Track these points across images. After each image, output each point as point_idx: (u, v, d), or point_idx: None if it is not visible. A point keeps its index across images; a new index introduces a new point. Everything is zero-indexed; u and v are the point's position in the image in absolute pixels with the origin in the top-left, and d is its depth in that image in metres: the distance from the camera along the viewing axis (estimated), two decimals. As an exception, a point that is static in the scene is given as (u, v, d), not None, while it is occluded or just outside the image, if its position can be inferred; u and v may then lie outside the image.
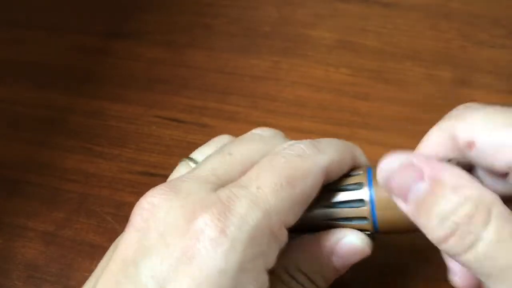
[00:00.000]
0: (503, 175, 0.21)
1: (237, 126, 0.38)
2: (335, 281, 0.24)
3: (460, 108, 0.22)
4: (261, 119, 0.38)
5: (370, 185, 0.22)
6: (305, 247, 0.23)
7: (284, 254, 0.21)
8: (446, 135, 0.21)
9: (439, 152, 0.21)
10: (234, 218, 0.19)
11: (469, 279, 0.22)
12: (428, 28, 0.43)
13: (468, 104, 0.22)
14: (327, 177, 0.22)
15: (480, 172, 0.23)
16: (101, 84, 0.43)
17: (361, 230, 0.23)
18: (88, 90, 0.42)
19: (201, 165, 0.22)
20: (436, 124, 0.22)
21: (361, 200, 0.22)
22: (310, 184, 0.21)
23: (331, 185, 0.23)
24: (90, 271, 0.32)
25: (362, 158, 0.25)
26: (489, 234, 0.17)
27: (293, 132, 0.37)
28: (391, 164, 0.20)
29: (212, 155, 0.23)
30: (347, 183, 0.23)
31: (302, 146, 0.22)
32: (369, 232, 0.23)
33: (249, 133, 0.25)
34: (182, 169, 0.26)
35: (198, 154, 0.26)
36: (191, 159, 0.26)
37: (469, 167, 0.22)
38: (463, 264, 0.18)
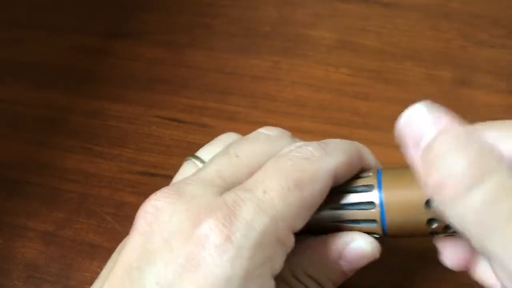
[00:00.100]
0: None
1: (237, 126, 0.38)
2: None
3: (501, 122, 0.19)
4: (261, 119, 0.38)
5: (380, 187, 0.22)
6: (312, 251, 0.22)
7: (290, 257, 0.20)
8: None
9: None
10: (240, 224, 0.18)
11: (458, 258, 0.22)
12: (428, 28, 0.43)
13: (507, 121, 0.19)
14: (335, 180, 0.22)
15: None
16: (101, 84, 0.43)
17: (369, 233, 0.23)
18: (88, 90, 0.42)
19: (207, 166, 0.22)
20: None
21: (371, 203, 0.22)
22: (318, 188, 0.20)
23: (340, 187, 0.23)
24: (90, 271, 0.32)
25: (370, 158, 0.24)
26: (489, 185, 0.17)
27: (293, 132, 0.37)
28: (412, 110, 0.19)
29: (218, 156, 0.22)
30: (356, 185, 0.22)
31: (310, 149, 0.21)
32: (377, 235, 0.23)
33: (255, 132, 0.25)
34: (187, 168, 0.25)
35: (204, 152, 0.26)
36: (197, 158, 0.26)
37: None
38: (455, 216, 0.18)
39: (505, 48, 0.41)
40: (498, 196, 0.16)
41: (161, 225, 0.19)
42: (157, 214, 0.19)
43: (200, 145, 0.37)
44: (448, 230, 0.21)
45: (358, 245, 0.22)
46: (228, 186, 0.20)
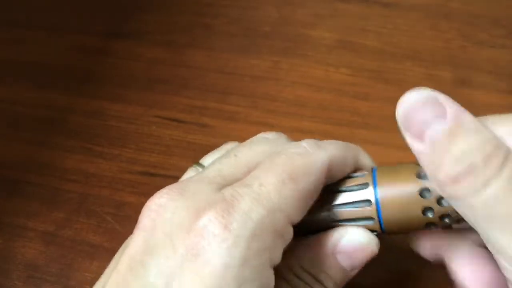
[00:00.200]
0: None
1: (237, 126, 0.38)
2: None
3: None
4: (261, 119, 0.38)
5: (375, 184, 0.22)
6: (309, 246, 0.23)
7: (288, 253, 0.21)
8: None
9: None
10: (238, 215, 0.19)
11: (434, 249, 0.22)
12: (428, 28, 0.43)
13: None
14: (330, 174, 0.22)
15: None
16: (101, 84, 0.43)
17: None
18: (88, 90, 0.42)
19: (208, 167, 0.23)
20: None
21: (367, 201, 0.22)
22: (312, 180, 0.21)
23: (335, 187, 0.23)
24: (90, 271, 0.32)
25: (366, 159, 0.25)
26: (502, 178, 0.17)
27: (293, 132, 0.37)
28: (412, 99, 0.19)
29: (218, 158, 0.23)
30: (351, 184, 0.23)
31: (303, 144, 0.22)
32: (375, 233, 0.23)
33: (254, 137, 0.26)
34: (190, 174, 0.26)
35: (207, 160, 0.27)
36: (200, 165, 0.27)
37: None
38: (466, 209, 0.18)
39: (505, 48, 0.41)
40: None
41: (164, 221, 0.20)
42: (159, 211, 0.20)
43: (200, 145, 0.38)
44: (444, 222, 0.21)
45: (352, 237, 0.22)
46: (227, 183, 0.21)
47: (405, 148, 0.21)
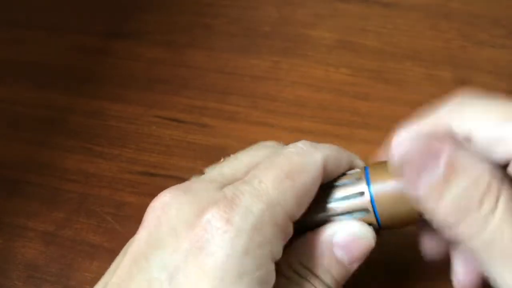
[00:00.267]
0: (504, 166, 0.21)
1: (237, 126, 0.38)
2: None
3: (457, 101, 0.22)
4: (261, 119, 0.38)
5: (368, 180, 0.23)
6: (306, 241, 0.23)
7: (288, 250, 0.22)
8: (439, 127, 0.21)
9: None
10: (239, 210, 0.20)
11: (470, 280, 0.23)
12: (428, 28, 0.43)
13: (464, 96, 0.22)
14: (326, 174, 0.23)
15: None
16: (101, 84, 0.43)
17: None
18: (88, 90, 0.42)
19: (210, 170, 0.24)
20: (430, 115, 0.22)
21: (361, 193, 0.23)
22: (309, 177, 0.22)
23: (330, 184, 0.24)
24: (90, 271, 0.32)
25: (360, 163, 0.25)
26: (496, 219, 0.18)
27: (293, 132, 0.37)
28: (406, 146, 0.20)
29: (220, 162, 0.25)
30: (345, 179, 0.24)
31: (299, 145, 0.23)
32: (373, 226, 0.23)
33: (254, 145, 0.27)
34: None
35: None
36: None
37: None
38: (468, 250, 0.19)
39: (505, 48, 0.41)
40: (508, 223, 0.18)
41: (168, 218, 0.21)
42: (164, 208, 0.21)
43: (200, 145, 0.38)
44: None
45: (347, 229, 0.23)
46: (229, 182, 0.22)
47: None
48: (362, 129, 0.37)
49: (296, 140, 0.24)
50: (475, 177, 0.18)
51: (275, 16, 0.46)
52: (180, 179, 0.24)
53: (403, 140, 0.20)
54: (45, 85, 0.43)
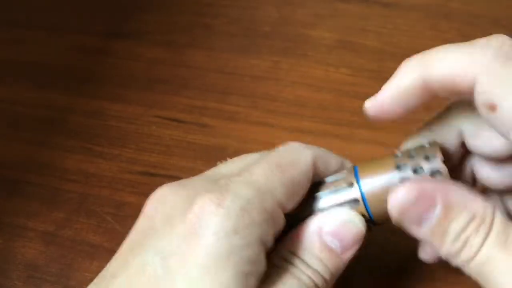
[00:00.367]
0: (505, 162, 0.21)
1: (237, 126, 0.38)
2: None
3: (487, 47, 0.21)
4: (261, 119, 0.38)
5: (357, 176, 0.23)
6: (297, 232, 0.23)
7: (281, 244, 0.23)
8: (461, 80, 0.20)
9: (406, 102, 0.22)
10: (229, 195, 0.21)
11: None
12: (428, 28, 0.43)
13: (498, 43, 0.21)
14: (316, 171, 0.24)
15: (477, 160, 0.24)
16: (101, 84, 0.43)
17: None
18: (88, 90, 0.42)
19: (209, 171, 0.25)
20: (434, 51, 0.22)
21: (350, 184, 0.23)
22: (299, 171, 0.23)
23: (321, 182, 0.24)
24: (90, 271, 0.32)
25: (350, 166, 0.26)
26: (489, 243, 0.19)
27: (293, 132, 0.37)
28: (403, 199, 0.21)
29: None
30: (335, 176, 0.24)
31: (291, 144, 0.24)
32: (365, 219, 0.23)
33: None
34: None
35: None
36: None
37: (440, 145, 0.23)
38: (468, 272, 0.20)
39: (505, 48, 0.41)
40: (502, 241, 0.19)
41: (164, 208, 0.22)
42: (161, 199, 0.22)
43: (200, 145, 0.38)
44: None
45: (335, 216, 0.23)
46: (224, 177, 0.23)
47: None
48: (362, 129, 0.37)
49: (296, 140, 0.24)
50: (471, 210, 0.20)
51: (275, 16, 0.46)
52: (180, 179, 0.24)
53: (399, 194, 0.21)
54: (45, 85, 0.43)
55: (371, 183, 0.23)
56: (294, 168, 0.23)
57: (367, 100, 0.23)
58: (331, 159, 0.25)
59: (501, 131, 0.20)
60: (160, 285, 0.20)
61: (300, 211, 0.23)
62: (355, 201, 0.23)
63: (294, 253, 0.23)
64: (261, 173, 0.22)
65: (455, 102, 0.24)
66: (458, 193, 0.20)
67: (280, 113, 0.39)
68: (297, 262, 0.23)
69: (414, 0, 0.46)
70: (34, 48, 0.46)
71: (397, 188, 0.21)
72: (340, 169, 0.25)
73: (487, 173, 0.24)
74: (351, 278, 0.29)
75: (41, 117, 0.41)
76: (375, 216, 0.23)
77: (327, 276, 0.23)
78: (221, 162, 0.27)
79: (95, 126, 0.40)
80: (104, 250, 0.33)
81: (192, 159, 0.37)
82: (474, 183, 0.26)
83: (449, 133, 0.24)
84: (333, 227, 0.23)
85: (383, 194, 0.22)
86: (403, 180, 0.22)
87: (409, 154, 0.23)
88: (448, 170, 0.22)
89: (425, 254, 0.26)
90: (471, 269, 0.20)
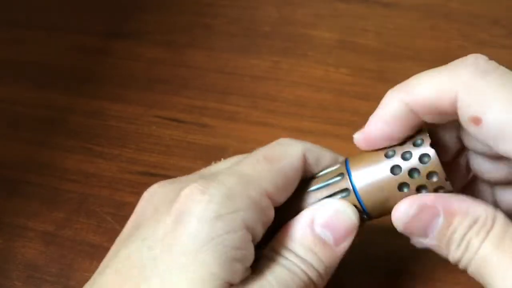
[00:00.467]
0: (499, 158, 0.21)
1: (237, 126, 0.38)
2: (331, 282, 0.24)
3: (469, 66, 0.21)
4: (261, 119, 0.38)
5: (347, 167, 0.23)
6: (288, 226, 0.23)
7: (275, 238, 0.23)
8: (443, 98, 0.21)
9: (396, 129, 0.22)
10: (213, 183, 0.21)
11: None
12: (428, 28, 0.43)
13: (479, 62, 0.21)
14: (307, 165, 0.24)
15: (472, 155, 0.24)
16: (101, 84, 0.43)
17: None
18: (88, 90, 0.42)
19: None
20: (436, 77, 0.22)
21: (340, 174, 0.23)
22: (288, 163, 0.23)
23: (313, 176, 0.24)
24: (90, 271, 0.32)
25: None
26: (487, 244, 0.20)
27: (293, 132, 0.37)
28: (405, 214, 0.21)
29: None
30: (326, 170, 0.24)
31: (282, 138, 0.25)
32: (359, 211, 0.23)
33: None
34: None
35: None
36: None
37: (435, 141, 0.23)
38: (470, 274, 0.21)
39: (505, 48, 0.41)
40: (502, 241, 0.20)
41: (152, 202, 0.23)
42: (151, 195, 0.24)
43: (200, 145, 0.38)
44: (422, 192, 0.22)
45: (327, 206, 0.23)
46: (214, 173, 0.24)
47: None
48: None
49: (296, 140, 0.24)
50: (474, 214, 0.20)
51: (275, 16, 0.46)
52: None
53: (401, 209, 0.21)
54: (45, 85, 0.43)
55: (362, 173, 0.23)
56: (282, 160, 0.23)
57: (356, 132, 0.24)
58: (324, 154, 0.25)
59: (488, 143, 0.20)
60: (145, 272, 0.20)
61: (292, 204, 0.24)
62: (346, 190, 0.23)
63: (286, 246, 0.23)
64: (247, 164, 0.23)
65: None
66: (459, 200, 0.21)
67: (280, 113, 0.39)
68: (289, 254, 0.22)
69: (414, 0, 0.46)
70: (34, 48, 0.46)
71: (398, 204, 0.21)
72: (333, 163, 0.25)
73: (481, 165, 0.24)
74: (351, 278, 0.29)
75: (41, 117, 0.41)
76: (367, 207, 0.23)
77: (321, 269, 0.22)
78: (215, 162, 0.27)
79: (95, 126, 0.39)
80: (104, 250, 0.32)
81: (192, 159, 0.37)
82: (468, 172, 0.26)
83: (446, 129, 0.24)
84: (324, 218, 0.23)
85: (373, 184, 0.22)
86: (393, 168, 0.22)
87: (402, 155, 0.23)
88: (438, 155, 0.22)
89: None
90: (471, 270, 0.20)
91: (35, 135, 0.40)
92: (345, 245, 0.23)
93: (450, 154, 0.25)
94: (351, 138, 0.24)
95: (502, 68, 0.20)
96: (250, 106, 0.39)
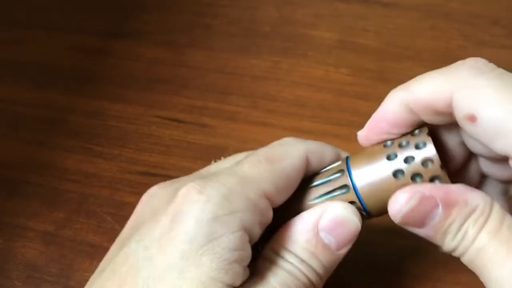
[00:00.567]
0: (498, 159, 0.21)
1: (237, 126, 0.38)
2: (331, 282, 0.24)
3: (465, 68, 0.21)
4: (261, 119, 0.38)
5: (348, 164, 0.23)
6: (289, 226, 0.23)
7: (274, 239, 0.23)
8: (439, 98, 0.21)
9: (397, 123, 0.23)
10: (212, 183, 0.21)
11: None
12: (428, 28, 0.43)
13: (474, 63, 0.21)
14: (310, 165, 0.24)
15: (480, 158, 0.24)
16: (101, 84, 0.43)
17: None
18: (88, 90, 0.42)
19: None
20: (433, 79, 0.22)
21: (340, 170, 0.23)
22: (289, 163, 0.23)
23: (314, 175, 0.24)
24: (90, 271, 0.32)
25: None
26: (483, 233, 0.20)
27: (293, 132, 0.37)
28: (402, 205, 0.21)
29: None
30: (327, 167, 0.24)
31: (285, 139, 0.25)
32: (358, 208, 0.23)
33: None
34: None
35: None
36: None
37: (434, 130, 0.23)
38: (464, 261, 0.21)
39: (505, 48, 0.41)
40: (499, 231, 0.20)
41: (151, 203, 0.24)
42: (150, 197, 0.24)
43: (200, 145, 0.38)
44: (416, 181, 0.22)
45: (332, 211, 0.23)
46: (213, 173, 0.23)
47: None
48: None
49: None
50: (471, 205, 0.20)
51: (275, 16, 0.46)
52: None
53: (399, 200, 0.21)
54: (45, 85, 0.43)
55: (362, 172, 0.23)
56: (284, 161, 0.23)
57: (359, 131, 0.24)
58: (327, 152, 0.24)
59: (484, 141, 0.20)
60: (141, 273, 0.20)
61: (292, 202, 0.23)
62: (345, 187, 0.23)
63: (287, 248, 0.22)
64: (248, 164, 0.22)
65: None
66: (457, 189, 0.21)
67: (280, 113, 0.39)
68: (290, 257, 0.22)
69: (414, 0, 0.46)
70: (34, 48, 0.46)
71: (396, 195, 0.21)
72: (336, 161, 0.25)
73: (488, 167, 0.24)
74: (350, 278, 0.29)
75: (41, 117, 0.41)
76: (367, 205, 0.23)
77: (321, 271, 0.22)
78: (215, 161, 0.27)
79: (95, 126, 0.39)
80: (104, 250, 0.32)
81: (192, 159, 0.37)
82: (481, 177, 0.25)
83: (451, 135, 0.24)
84: (330, 223, 0.23)
85: (374, 183, 0.22)
86: (396, 172, 0.22)
87: (399, 143, 0.23)
88: (441, 159, 0.22)
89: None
90: (466, 259, 0.20)
91: (35, 135, 0.40)
92: (347, 248, 0.23)
93: (458, 160, 0.24)
94: (351, 138, 0.25)
95: (499, 69, 0.21)
96: (250, 106, 0.39)
